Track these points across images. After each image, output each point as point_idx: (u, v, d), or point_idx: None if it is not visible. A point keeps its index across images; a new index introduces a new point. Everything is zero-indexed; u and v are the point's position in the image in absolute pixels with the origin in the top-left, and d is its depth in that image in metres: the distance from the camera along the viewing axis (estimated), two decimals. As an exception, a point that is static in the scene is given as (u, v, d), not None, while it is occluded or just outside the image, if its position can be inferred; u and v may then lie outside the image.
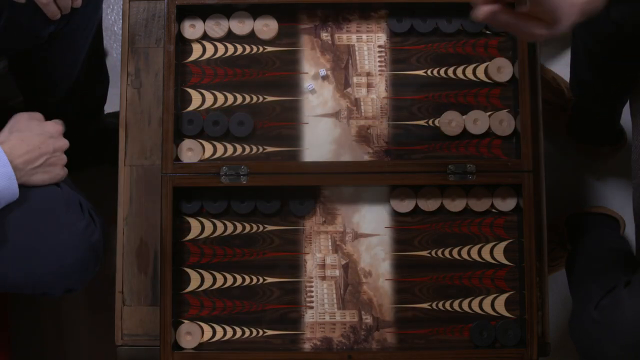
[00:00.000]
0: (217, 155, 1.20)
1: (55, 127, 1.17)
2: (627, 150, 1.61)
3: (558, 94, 1.62)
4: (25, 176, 1.10)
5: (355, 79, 1.22)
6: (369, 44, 1.23)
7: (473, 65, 1.22)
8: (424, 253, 1.20)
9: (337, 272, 1.20)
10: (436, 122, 1.21)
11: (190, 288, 1.19)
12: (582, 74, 1.42)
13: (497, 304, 1.19)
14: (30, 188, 1.11)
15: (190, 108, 1.21)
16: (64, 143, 1.17)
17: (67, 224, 1.14)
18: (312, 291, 1.19)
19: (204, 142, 1.20)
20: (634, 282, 1.13)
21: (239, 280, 1.19)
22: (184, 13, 1.21)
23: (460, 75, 1.22)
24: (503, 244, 1.19)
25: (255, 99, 1.22)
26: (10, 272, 1.09)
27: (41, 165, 1.12)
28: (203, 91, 1.21)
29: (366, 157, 1.21)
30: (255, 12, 1.22)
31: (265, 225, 1.20)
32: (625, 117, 1.54)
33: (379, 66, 1.22)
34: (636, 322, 1.08)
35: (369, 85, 1.22)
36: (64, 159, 1.17)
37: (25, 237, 1.10)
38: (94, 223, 1.19)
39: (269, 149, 1.21)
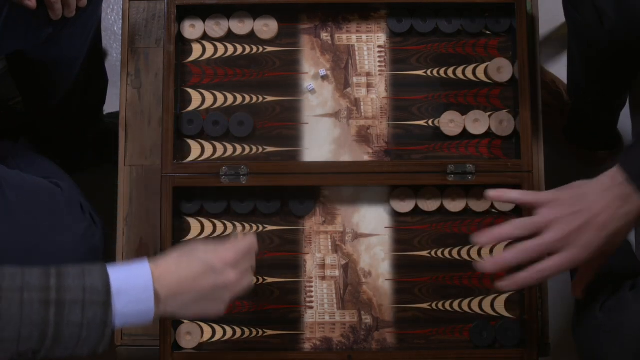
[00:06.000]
0: (217, 155, 1.20)
1: (225, 255, 0.94)
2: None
3: (557, 96, 1.62)
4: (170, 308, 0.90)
5: (355, 79, 1.22)
6: (369, 44, 1.23)
7: (473, 66, 1.22)
8: (424, 253, 1.20)
9: (337, 272, 1.20)
10: (436, 122, 1.21)
11: (190, 288, 1.19)
12: (578, 78, 1.42)
13: (497, 304, 1.19)
14: (30, 187, 1.10)
15: (190, 108, 1.21)
16: (233, 278, 0.93)
17: (67, 225, 1.14)
18: (312, 291, 1.19)
19: (204, 142, 1.20)
20: (639, 286, 1.12)
21: (239, 280, 1.19)
22: (184, 13, 1.21)
23: (460, 76, 1.22)
24: (503, 244, 1.19)
25: (255, 99, 1.22)
26: None
27: (196, 301, 0.92)
28: (203, 91, 1.21)
29: (366, 157, 1.21)
30: (255, 12, 1.22)
31: (265, 225, 1.20)
32: (623, 121, 1.55)
33: (379, 66, 1.22)
34: None
35: (369, 86, 1.22)
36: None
37: (25, 238, 1.10)
38: (94, 224, 1.19)
39: (269, 149, 1.21)
